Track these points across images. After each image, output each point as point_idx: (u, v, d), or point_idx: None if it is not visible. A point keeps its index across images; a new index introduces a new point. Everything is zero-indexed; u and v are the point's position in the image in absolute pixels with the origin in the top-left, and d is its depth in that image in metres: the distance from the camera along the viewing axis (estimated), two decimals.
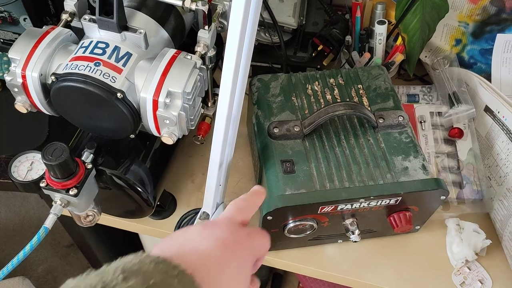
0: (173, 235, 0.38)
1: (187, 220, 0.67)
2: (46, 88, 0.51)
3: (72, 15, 0.56)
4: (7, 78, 0.50)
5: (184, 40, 0.61)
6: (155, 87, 0.48)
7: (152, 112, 0.49)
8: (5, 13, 0.77)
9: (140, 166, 0.60)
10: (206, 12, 0.53)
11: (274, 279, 1.36)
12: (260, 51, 0.82)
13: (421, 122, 0.74)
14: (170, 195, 0.69)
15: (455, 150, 0.73)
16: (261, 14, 0.79)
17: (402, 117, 0.63)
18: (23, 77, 0.49)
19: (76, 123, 0.54)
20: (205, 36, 0.55)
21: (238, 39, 0.42)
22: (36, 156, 0.51)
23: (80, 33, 0.56)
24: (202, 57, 0.55)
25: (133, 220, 0.68)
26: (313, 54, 0.79)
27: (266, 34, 0.80)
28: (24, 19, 0.77)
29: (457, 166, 0.72)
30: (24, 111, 0.52)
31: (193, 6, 0.53)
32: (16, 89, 0.51)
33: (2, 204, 1.57)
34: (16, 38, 0.81)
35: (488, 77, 0.80)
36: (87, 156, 0.54)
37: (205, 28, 0.55)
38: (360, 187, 0.57)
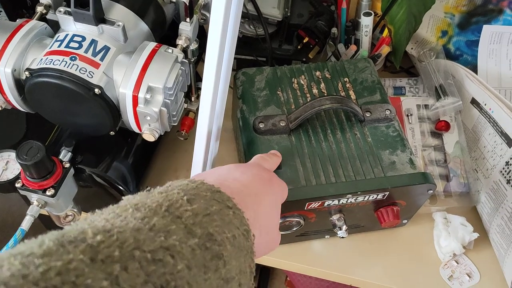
0: (210, 171, 0.40)
1: None
2: (20, 84, 0.48)
3: (48, 7, 0.54)
4: None
5: (165, 33, 0.60)
6: (135, 82, 0.47)
7: (132, 108, 0.48)
8: None
9: (121, 163, 0.58)
10: (188, 4, 0.51)
11: (262, 273, 1.35)
12: (244, 44, 0.80)
13: (408, 115, 0.74)
14: None
15: (442, 143, 0.73)
16: (245, 6, 0.77)
17: (389, 111, 0.62)
18: None
19: (53, 120, 0.52)
20: (186, 28, 0.53)
21: (221, 31, 0.41)
22: (12, 155, 0.49)
23: (56, 26, 0.54)
24: (184, 50, 0.53)
25: None
26: (299, 47, 0.78)
27: (251, 26, 0.78)
28: None
29: (444, 159, 0.72)
30: None
31: None
32: None
33: None
34: None
35: (474, 68, 0.79)
36: (64, 155, 0.52)
37: (186, 20, 0.53)
38: (347, 183, 0.56)
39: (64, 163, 0.48)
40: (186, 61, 0.52)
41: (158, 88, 0.47)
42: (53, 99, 0.48)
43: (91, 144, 0.56)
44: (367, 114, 0.62)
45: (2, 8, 0.73)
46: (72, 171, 0.49)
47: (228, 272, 0.29)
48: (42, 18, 0.53)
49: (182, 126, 0.65)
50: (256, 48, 0.80)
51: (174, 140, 0.72)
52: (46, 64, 0.45)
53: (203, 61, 0.45)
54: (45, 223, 0.88)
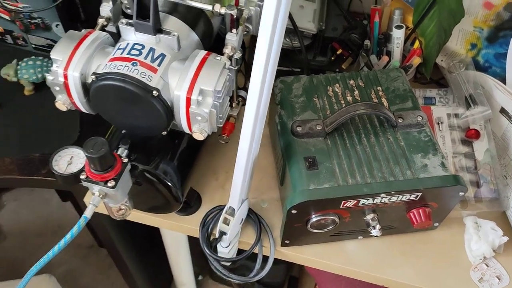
0: None
1: (212, 216, 0.69)
2: (85, 87, 0.54)
3: (108, 19, 0.59)
4: (49, 77, 0.53)
5: (212, 43, 0.65)
6: (188, 85, 0.51)
7: (185, 109, 0.52)
8: (38, 19, 0.81)
9: (169, 163, 0.62)
10: (235, 16, 0.56)
11: (290, 282, 1.37)
12: (281, 55, 0.84)
13: (438, 124, 0.76)
14: (195, 192, 0.72)
15: (472, 151, 0.75)
16: None
17: (420, 117, 0.65)
18: (65, 76, 0.53)
19: (111, 120, 0.57)
20: (232, 38, 0.58)
21: (268, 42, 0.45)
22: (75, 151, 0.54)
23: (113, 37, 0.59)
24: (230, 58, 0.58)
25: (160, 216, 0.70)
26: (332, 58, 0.82)
27: (287, 39, 0.83)
28: (57, 25, 0.81)
29: (474, 166, 0.74)
30: (64, 109, 0.56)
31: (223, 11, 0.56)
32: (57, 88, 0.54)
33: (25, 207, 1.61)
34: (48, 44, 0.85)
35: (503, 80, 0.81)
36: (122, 152, 0.57)
37: (232, 31, 0.58)
38: (381, 183, 0.59)
39: (122, 158, 0.53)
40: (232, 68, 0.56)
41: (209, 91, 0.52)
42: (115, 100, 0.53)
43: (143, 144, 0.61)
44: (400, 120, 0.65)
45: (60, 21, 0.80)
46: (129, 166, 0.54)
47: None
48: (102, 29, 0.59)
49: (223, 130, 0.70)
50: (292, 60, 0.84)
51: (214, 144, 0.77)
52: (110, 68, 0.51)
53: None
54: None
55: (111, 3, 0.59)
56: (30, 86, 0.81)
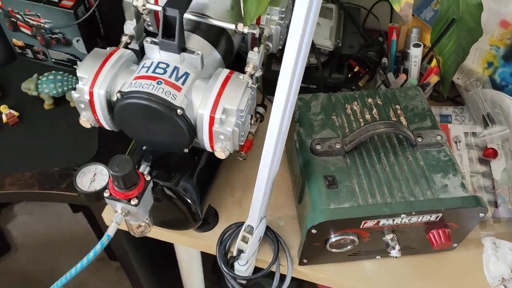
0: None
1: (229, 233, 0.69)
2: (110, 105, 0.54)
3: (131, 37, 0.60)
4: (75, 95, 0.54)
5: (232, 61, 0.65)
6: (212, 104, 0.52)
7: (208, 127, 0.53)
8: (59, 34, 0.82)
9: (189, 180, 0.63)
10: (257, 35, 0.57)
11: None
12: None
13: (456, 142, 0.76)
14: (212, 209, 0.72)
15: (489, 170, 0.75)
16: None
17: (440, 136, 0.65)
18: (90, 94, 0.53)
19: (134, 136, 0.58)
20: (254, 57, 0.59)
21: (294, 61, 0.45)
22: (98, 168, 0.55)
23: (137, 54, 0.60)
24: (251, 76, 0.59)
25: (177, 232, 0.70)
26: (349, 75, 0.82)
27: None
28: (77, 41, 0.82)
29: (492, 186, 0.74)
30: (88, 126, 0.56)
31: (246, 30, 0.57)
32: (82, 105, 0.55)
33: (37, 217, 1.62)
34: (68, 58, 0.86)
35: None
36: (144, 168, 0.57)
37: (254, 50, 0.59)
38: (401, 203, 0.59)
39: (145, 176, 0.54)
40: (254, 86, 0.57)
41: (232, 110, 0.52)
42: (139, 118, 0.53)
43: (163, 160, 0.61)
44: (419, 139, 0.65)
45: (81, 37, 0.82)
46: (151, 183, 0.55)
47: None
48: (126, 46, 0.60)
49: (242, 147, 0.70)
50: (308, 76, 0.84)
51: (232, 160, 0.77)
52: (136, 87, 0.51)
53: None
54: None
55: (134, 21, 0.60)
56: (50, 100, 0.81)
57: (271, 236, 0.68)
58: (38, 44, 0.85)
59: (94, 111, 0.55)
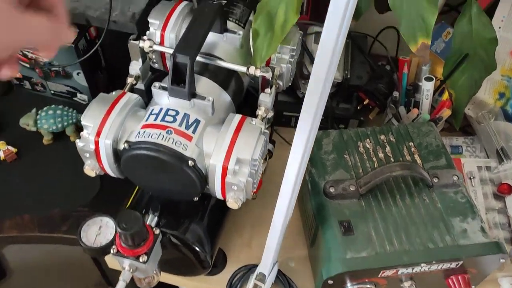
0: None
1: (239, 276, 0.66)
2: (116, 153, 0.52)
3: (137, 78, 0.58)
4: (80, 144, 0.51)
5: (241, 100, 0.63)
6: (225, 154, 0.49)
7: (221, 178, 0.50)
8: (59, 67, 0.79)
9: (198, 226, 0.60)
10: (270, 78, 0.55)
11: None
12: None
13: (470, 178, 0.74)
14: (221, 251, 0.69)
15: (504, 206, 0.73)
16: (306, 67, 0.80)
17: (456, 177, 0.63)
18: (96, 143, 0.50)
19: (141, 185, 0.55)
20: (266, 100, 0.56)
21: (316, 106, 0.43)
22: (104, 221, 0.52)
23: (142, 95, 0.58)
24: (263, 119, 0.56)
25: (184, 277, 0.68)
26: (358, 107, 0.80)
27: None
28: (78, 74, 0.79)
29: (508, 223, 0.72)
30: (92, 175, 0.53)
31: (258, 73, 0.54)
32: (87, 155, 0.52)
33: (35, 246, 1.57)
34: (67, 91, 0.83)
35: None
36: (151, 219, 0.54)
37: (265, 91, 0.57)
38: (421, 251, 0.56)
39: (154, 229, 0.51)
40: (268, 131, 0.54)
41: (246, 160, 0.49)
42: (147, 168, 0.51)
43: (171, 207, 0.58)
44: (435, 180, 0.63)
45: (81, 69, 0.79)
46: (160, 237, 0.52)
47: None
48: (132, 88, 0.57)
49: None
50: None
51: None
52: (144, 137, 0.49)
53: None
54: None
55: (140, 61, 0.58)
56: (49, 136, 0.78)
57: (283, 280, 0.65)
58: (37, 76, 0.83)
59: (99, 160, 0.52)
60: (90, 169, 0.53)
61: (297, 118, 0.86)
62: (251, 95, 0.68)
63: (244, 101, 0.64)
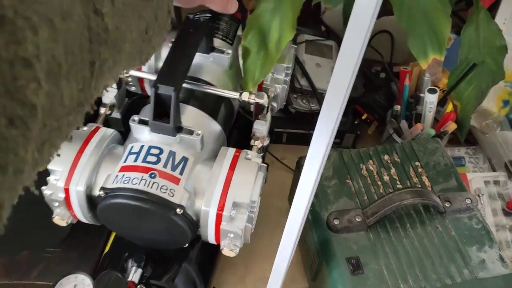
0: None
1: None
2: (91, 200, 0.44)
3: (112, 107, 0.50)
4: (46, 192, 0.44)
5: (232, 125, 0.56)
6: (219, 199, 0.42)
7: (215, 225, 0.43)
8: None
9: (188, 269, 0.53)
10: (266, 106, 0.48)
11: None
12: (297, 118, 0.76)
13: (478, 196, 0.69)
14: None
15: None
16: (298, 81, 0.74)
17: (469, 200, 0.58)
18: (66, 191, 0.43)
19: (123, 235, 0.48)
20: (262, 128, 0.50)
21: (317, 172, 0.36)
22: (79, 278, 0.45)
23: (118, 125, 0.50)
24: (259, 151, 0.50)
25: None
26: (356, 122, 0.74)
27: (304, 101, 0.75)
28: None
29: None
30: (63, 224, 0.46)
31: (252, 99, 0.48)
32: (56, 203, 0.44)
33: None
34: None
35: None
36: (134, 272, 0.47)
37: (260, 118, 0.50)
38: None
39: (139, 287, 0.44)
40: (265, 165, 0.48)
41: (244, 204, 0.43)
42: (129, 217, 0.43)
43: (156, 254, 0.51)
44: (447, 205, 0.57)
45: None
46: None
47: None
48: (106, 119, 0.50)
49: None
50: (309, 122, 0.76)
51: None
52: (123, 182, 0.42)
53: None
54: None
55: (115, 87, 0.50)
56: None
57: None
58: None
59: (70, 209, 0.45)
60: (60, 219, 0.45)
61: (288, 134, 0.80)
62: (241, 116, 0.61)
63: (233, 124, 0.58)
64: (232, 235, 0.44)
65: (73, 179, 0.43)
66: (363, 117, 0.72)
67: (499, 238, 0.68)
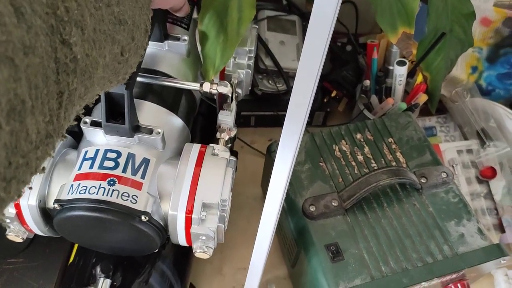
0: None
1: None
2: (46, 212, 0.41)
3: None
4: None
5: (195, 115, 0.53)
6: (186, 201, 0.39)
7: (184, 229, 0.41)
8: None
9: (162, 265, 0.50)
10: (230, 96, 0.45)
11: None
12: (264, 100, 0.73)
13: (452, 166, 0.69)
14: (192, 286, 0.60)
15: (489, 191, 0.68)
16: (263, 62, 0.70)
17: (445, 173, 0.57)
18: (17, 206, 0.39)
19: (85, 245, 0.44)
20: (227, 119, 0.46)
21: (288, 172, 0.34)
22: None
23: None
24: (226, 143, 0.47)
25: None
26: (325, 100, 0.72)
27: (270, 82, 0.71)
28: None
29: (495, 208, 0.67)
30: (19, 240, 0.42)
31: (214, 90, 0.44)
32: (8, 220, 0.40)
33: None
34: None
35: (507, 102, 0.75)
36: (103, 283, 0.44)
37: (224, 108, 0.47)
38: (420, 269, 0.50)
39: None
40: (234, 159, 0.45)
41: (214, 204, 0.40)
42: (90, 229, 0.40)
43: (126, 259, 0.48)
44: (423, 180, 0.56)
45: None
46: None
47: (121, 14, 0.27)
48: None
49: None
50: (277, 104, 0.73)
51: None
52: (79, 193, 0.38)
53: None
54: None
55: None
56: None
57: None
58: None
59: (24, 223, 0.41)
60: (15, 235, 0.42)
61: (256, 117, 0.77)
62: (203, 103, 0.58)
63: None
64: (204, 237, 0.41)
65: (23, 192, 0.39)
66: (332, 95, 0.70)
67: (474, 207, 0.68)
